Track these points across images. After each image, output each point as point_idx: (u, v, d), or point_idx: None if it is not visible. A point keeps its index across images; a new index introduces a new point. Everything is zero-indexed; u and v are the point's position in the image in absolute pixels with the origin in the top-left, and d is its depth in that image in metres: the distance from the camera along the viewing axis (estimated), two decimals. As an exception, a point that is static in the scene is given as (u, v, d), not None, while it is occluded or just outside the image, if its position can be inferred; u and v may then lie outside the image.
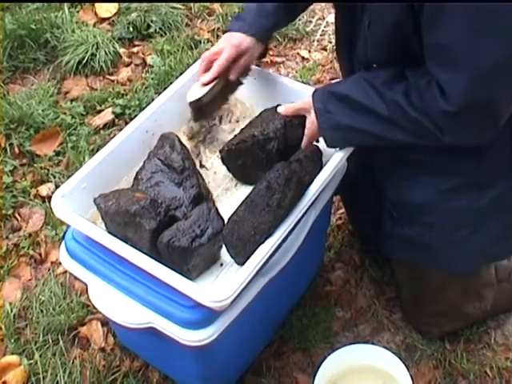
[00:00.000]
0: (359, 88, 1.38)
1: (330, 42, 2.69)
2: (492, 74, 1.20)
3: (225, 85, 1.57)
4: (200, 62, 1.56)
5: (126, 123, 2.13)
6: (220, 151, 1.55)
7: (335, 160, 1.44)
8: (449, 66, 1.23)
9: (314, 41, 2.72)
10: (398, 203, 1.58)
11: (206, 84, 1.52)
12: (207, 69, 1.54)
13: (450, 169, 1.46)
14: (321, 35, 2.74)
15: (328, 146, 1.45)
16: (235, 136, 1.55)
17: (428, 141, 1.34)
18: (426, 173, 1.49)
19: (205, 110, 1.57)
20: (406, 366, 1.57)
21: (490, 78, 1.20)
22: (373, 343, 1.75)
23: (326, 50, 2.67)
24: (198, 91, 1.53)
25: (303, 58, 2.65)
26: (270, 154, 1.47)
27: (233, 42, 1.53)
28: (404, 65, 1.35)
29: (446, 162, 1.45)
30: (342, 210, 2.05)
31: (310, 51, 2.68)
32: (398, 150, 1.44)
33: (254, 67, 1.64)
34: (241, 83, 1.62)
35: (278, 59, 2.63)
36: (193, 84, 1.56)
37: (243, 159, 1.50)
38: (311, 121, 1.44)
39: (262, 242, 1.29)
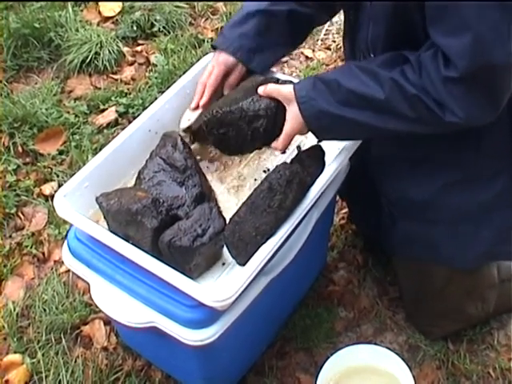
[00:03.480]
0: (350, 74, 1.32)
1: (334, 42, 2.69)
2: (497, 36, 1.16)
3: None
4: (197, 86, 1.56)
5: (130, 122, 2.13)
6: (204, 116, 1.48)
7: (338, 160, 1.44)
8: (451, 27, 1.19)
9: (317, 40, 2.72)
10: (397, 201, 1.57)
11: (202, 107, 1.54)
12: (203, 91, 1.55)
13: (448, 164, 1.46)
14: (325, 34, 2.74)
15: (317, 138, 1.41)
16: (219, 101, 1.50)
17: (425, 125, 1.29)
18: (425, 169, 1.48)
19: (198, 134, 1.56)
20: (408, 366, 1.56)
21: (495, 41, 1.17)
22: (375, 343, 1.74)
23: (329, 49, 2.67)
24: (189, 116, 1.55)
25: (307, 57, 2.65)
26: (256, 132, 1.41)
27: (219, 59, 1.53)
28: (402, 50, 1.31)
29: (443, 157, 1.45)
30: (345, 210, 2.05)
31: (313, 50, 2.67)
32: (395, 147, 1.42)
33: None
34: None
35: (282, 58, 2.63)
36: (186, 109, 1.57)
37: (226, 129, 1.43)
38: (292, 112, 1.37)
39: (264, 243, 1.29)
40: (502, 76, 1.23)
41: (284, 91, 1.39)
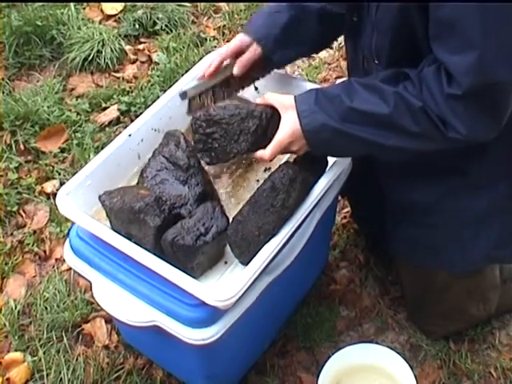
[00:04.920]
0: (353, 91, 1.30)
1: (336, 41, 2.67)
2: (502, 54, 1.16)
3: (224, 80, 1.53)
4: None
5: (132, 120, 2.13)
6: (197, 113, 1.41)
7: (341, 159, 1.44)
8: (456, 45, 1.18)
9: (320, 39, 2.71)
10: (400, 204, 1.57)
11: (207, 77, 1.51)
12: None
13: (451, 171, 1.46)
14: (327, 33, 2.73)
15: (314, 152, 1.37)
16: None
17: (428, 140, 1.28)
18: (428, 174, 1.48)
19: (193, 103, 1.54)
20: (410, 365, 1.56)
21: (499, 59, 1.17)
22: (377, 343, 1.74)
23: (332, 48, 2.66)
24: (191, 83, 1.52)
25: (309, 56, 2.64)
26: (245, 133, 1.35)
27: (237, 37, 1.52)
28: (406, 60, 1.30)
29: (447, 164, 1.44)
30: (347, 209, 2.04)
31: (316, 49, 2.67)
32: None
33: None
34: (245, 84, 1.59)
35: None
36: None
37: (213, 129, 1.37)
38: (287, 121, 1.34)
39: (266, 242, 1.29)
40: (504, 93, 1.23)
41: (283, 99, 1.37)
